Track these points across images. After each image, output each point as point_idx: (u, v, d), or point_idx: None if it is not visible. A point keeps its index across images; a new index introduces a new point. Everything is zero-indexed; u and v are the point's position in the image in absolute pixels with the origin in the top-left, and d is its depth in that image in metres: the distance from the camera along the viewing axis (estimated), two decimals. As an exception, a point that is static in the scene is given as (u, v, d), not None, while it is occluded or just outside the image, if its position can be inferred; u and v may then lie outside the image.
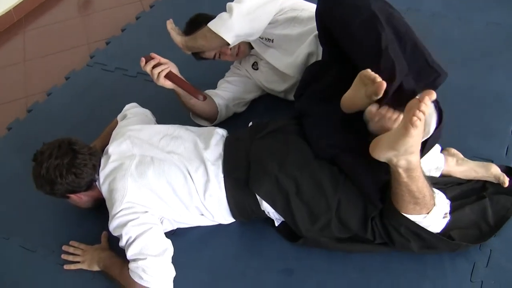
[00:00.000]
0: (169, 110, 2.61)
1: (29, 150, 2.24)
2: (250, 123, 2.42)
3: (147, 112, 2.60)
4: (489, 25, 3.16)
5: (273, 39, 2.59)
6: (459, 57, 2.69)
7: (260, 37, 2.56)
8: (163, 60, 2.36)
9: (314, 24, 2.37)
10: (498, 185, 2.22)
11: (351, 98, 1.91)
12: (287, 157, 2.10)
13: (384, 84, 1.73)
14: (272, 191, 2.09)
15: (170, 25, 2.60)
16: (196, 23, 2.66)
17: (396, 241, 2.01)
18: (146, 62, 2.35)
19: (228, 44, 2.45)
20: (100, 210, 2.29)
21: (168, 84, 2.37)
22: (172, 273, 2.06)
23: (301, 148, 2.13)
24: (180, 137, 2.28)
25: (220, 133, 2.31)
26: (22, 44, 3.77)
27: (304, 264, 2.15)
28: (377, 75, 1.75)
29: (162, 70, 2.33)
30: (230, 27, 2.39)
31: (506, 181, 2.19)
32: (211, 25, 2.43)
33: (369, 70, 1.78)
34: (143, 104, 2.64)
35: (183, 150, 2.21)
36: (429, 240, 1.99)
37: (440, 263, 2.07)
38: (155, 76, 2.35)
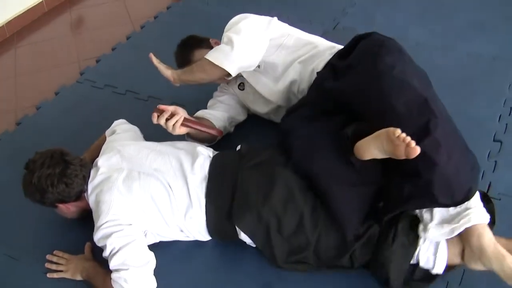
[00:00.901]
0: (157, 127, 2.65)
1: (17, 161, 2.30)
2: (239, 147, 2.44)
3: (135, 129, 2.65)
4: (471, 54, 3.30)
5: (260, 65, 2.62)
6: (441, 84, 2.78)
7: None
8: (171, 108, 2.36)
9: (299, 51, 2.55)
10: None
11: (369, 148, 1.95)
12: (272, 192, 2.14)
13: (418, 150, 1.79)
14: (253, 225, 2.15)
15: (155, 59, 2.57)
16: (188, 46, 2.74)
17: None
18: (158, 117, 2.35)
19: (229, 75, 2.51)
20: (84, 220, 2.34)
21: (183, 130, 2.42)
22: (153, 284, 2.10)
23: (286, 181, 2.17)
24: (167, 154, 2.33)
25: (205, 154, 2.34)
26: (13, 59, 3.81)
27: (282, 278, 2.20)
28: (412, 140, 1.80)
29: (176, 121, 2.36)
30: (233, 59, 2.45)
31: None
32: (212, 58, 2.47)
33: (399, 131, 1.82)
34: (131, 121, 2.69)
35: (169, 167, 2.26)
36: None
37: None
38: (170, 128, 2.37)
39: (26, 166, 2.24)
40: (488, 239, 1.95)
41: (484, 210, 2.00)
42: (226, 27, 2.62)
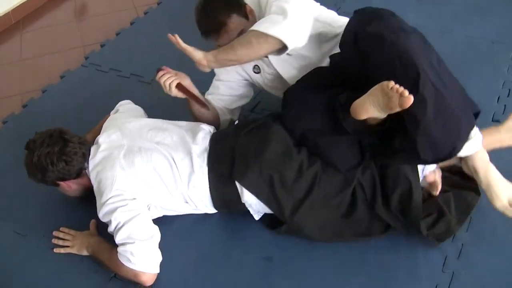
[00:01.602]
0: (161, 109, 2.71)
1: (23, 142, 2.33)
2: (236, 121, 2.55)
3: (139, 108, 2.70)
4: (469, 37, 3.34)
5: (291, 54, 2.41)
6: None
7: None
8: (173, 72, 2.36)
9: (329, 42, 2.44)
10: (460, 181, 2.35)
11: (364, 105, 1.99)
12: (269, 147, 2.22)
13: (412, 99, 1.84)
14: (255, 180, 2.21)
15: (180, 40, 2.31)
16: (226, 4, 2.35)
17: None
18: (157, 73, 2.37)
19: (284, 49, 2.26)
20: (88, 198, 2.38)
21: (179, 94, 2.38)
22: (159, 257, 2.16)
23: (281, 137, 2.26)
24: (168, 129, 2.39)
25: (207, 129, 2.41)
26: (19, 45, 3.88)
27: (284, 252, 2.26)
28: (405, 89, 1.85)
29: (172, 81, 2.36)
30: (289, 28, 2.19)
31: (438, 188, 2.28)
32: (263, 28, 2.20)
33: (393, 83, 1.87)
34: (136, 103, 2.74)
35: (170, 141, 2.32)
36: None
37: (414, 254, 2.19)
38: (167, 88, 2.36)
39: (26, 146, 2.30)
40: (479, 163, 2.17)
41: (474, 140, 2.10)
42: None
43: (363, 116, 2.02)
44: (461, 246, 2.20)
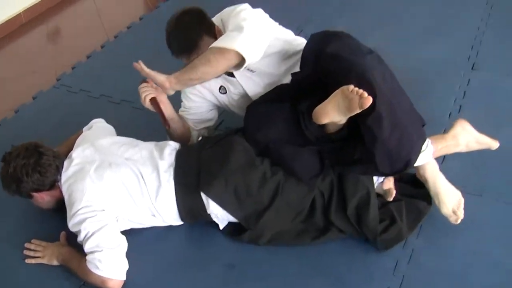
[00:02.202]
0: (129, 128, 2.83)
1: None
2: (200, 138, 2.69)
3: (111, 127, 2.82)
4: (424, 58, 3.55)
5: (255, 71, 2.53)
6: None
7: None
8: (154, 86, 2.46)
9: (290, 59, 2.56)
10: (412, 190, 2.52)
11: (326, 109, 2.12)
12: (233, 157, 2.35)
13: (371, 99, 1.99)
14: (220, 190, 2.33)
15: (144, 67, 2.41)
16: (197, 26, 2.45)
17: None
18: (141, 84, 2.49)
19: (242, 63, 2.34)
20: (59, 211, 2.48)
21: (151, 108, 2.49)
22: (126, 265, 2.26)
23: (243, 147, 2.39)
24: (137, 146, 2.51)
25: (173, 146, 2.52)
26: (-7, 67, 3.98)
27: (245, 258, 2.38)
28: (364, 91, 2.01)
29: (148, 94, 2.46)
30: (245, 41, 2.29)
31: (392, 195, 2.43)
32: (220, 44, 2.31)
33: (352, 86, 2.03)
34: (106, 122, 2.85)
35: (139, 157, 2.43)
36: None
37: (367, 259, 2.33)
38: (142, 98, 2.47)
39: (2, 159, 2.41)
40: (429, 172, 2.39)
41: (426, 152, 2.30)
42: (223, 16, 2.53)
43: (325, 120, 2.14)
44: (412, 251, 2.35)
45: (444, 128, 2.89)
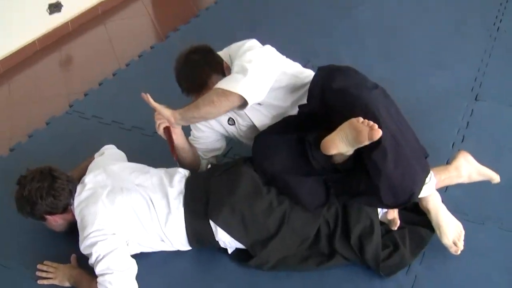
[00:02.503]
0: (140, 155, 2.87)
1: (10, 182, 2.51)
2: (209, 165, 2.76)
3: (122, 153, 2.90)
4: (428, 88, 3.64)
5: (262, 104, 2.56)
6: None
7: None
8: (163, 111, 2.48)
9: (298, 91, 2.62)
10: (415, 217, 2.57)
11: (334, 140, 2.18)
12: (240, 186, 2.42)
13: (380, 132, 2.06)
14: (228, 218, 2.40)
15: (151, 99, 2.45)
16: (206, 65, 2.53)
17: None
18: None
19: (244, 105, 2.39)
20: (70, 234, 2.56)
21: (163, 136, 2.55)
22: (135, 287, 2.31)
23: (251, 176, 2.46)
24: (148, 172, 2.59)
25: (182, 173, 2.59)
26: (7, 93, 4.07)
27: (251, 283, 2.44)
28: (374, 123, 2.07)
29: (162, 123, 2.52)
30: (248, 85, 2.34)
31: (397, 224, 2.49)
32: (224, 85, 2.36)
33: (361, 118, 2.09)
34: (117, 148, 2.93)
35: (150, 183, 2.50)
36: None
37: (371, 284, 2.39)
38: (156, 125, 2.54)
39: (18, 182, 2.48)
40: (431, 204, 2.45)
41: (429, 184, 2.35)
42: (231, 52, 2.59)
43: (333, 151, 2.20)
44: (415, 277, 2.40)
45: (447, 158, 2.96)
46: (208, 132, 2.78)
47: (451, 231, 2.42)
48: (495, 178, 2.54)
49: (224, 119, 2.73)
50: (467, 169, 2.53)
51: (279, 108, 2.64)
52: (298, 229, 2.41)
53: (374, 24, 4.53)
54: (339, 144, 2.17)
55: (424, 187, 2.32)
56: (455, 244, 2.41)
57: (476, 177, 2.55)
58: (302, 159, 2.35)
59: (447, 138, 3.19)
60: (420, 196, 2.35)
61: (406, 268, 2.43)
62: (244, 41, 2.60)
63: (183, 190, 2.48)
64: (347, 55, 4.02)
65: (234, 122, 2.74)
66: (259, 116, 2.65)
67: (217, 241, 2.46)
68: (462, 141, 3.15)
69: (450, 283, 2.38)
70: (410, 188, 2.22)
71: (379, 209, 2.47)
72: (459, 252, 2.41)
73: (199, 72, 2.51)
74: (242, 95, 2.34)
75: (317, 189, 2.39)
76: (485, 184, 2.61)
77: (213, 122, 2.74)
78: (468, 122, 3.32)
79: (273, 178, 2.44)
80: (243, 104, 2.41)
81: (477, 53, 4.03)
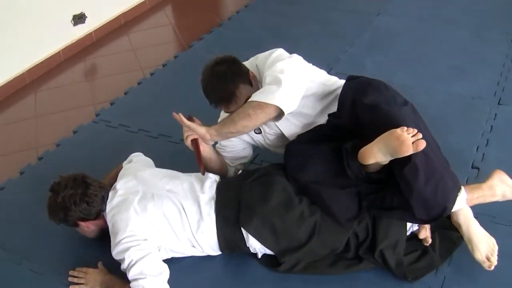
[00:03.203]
0: (167, 163, 2.89)
1: (39, 190, 2.59)
2: (240, 171, 2.79)
3: (150, 160, 2.94)
4: (451, 94, 3.66)
5: (291, 112, 2.51)
6: (425, 120, 3.11)
7: None
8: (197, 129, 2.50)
9: (326, 98, 2.64)
10: (445, 220, 2.54)
11: (373, 150, 2.19)
12: (272, 196, 2.44)
13: (424, 142, 2.08)
14: (259, 227, 2.42)
15: (183, 119, 2.45)
16: (234, 76, 2.51)
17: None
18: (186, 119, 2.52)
19: (281, 115, 2.42)
20: (101, 240, 2.61)
21: (191, 147, 2.57)
22: (168, 291, 2.35)
23: (283, 186, 2.47)
24: (178, 178, 2.62)
25: (213, 178, 2.62)
26: (34, 103, 4.13)
27: (282, 287, 2.46)
28: (418, 132, 2.10)
29: (190, 135, 2.54)
30: (283, 96, 2.36)
31: (428, 242, 2.48)
32: (260, 98, 2.37)
33: (405, 127, 2.11)
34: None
35: (181, 189, 2.54)
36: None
37: (400, 286, 2.40)
38: (184, 137, 2.57)
39: (51, 188, 2.53)
40: (463, 218, 2.42)
41: (460, 198, 2.33)
42: (259, 62, 2.63)
43: (371, 160, 2.21)
44: (444, 278, 2.41)
45: (473, 160, 2.97)
46: (235, 141, 2.80)
47: (484, 245, 2.39)
48: None
49: None
50: (501, 188, 2.51)
51: (307, 117, 2.66)
52: (328, 241, 2.42)
53: (394, 32, 4.58)
54: (378, 154, 2.18)
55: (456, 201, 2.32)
56: (488, 259, 2.37)
57: (510, 196, 2.52)
58: (336, 170, 2.37)
59: (471, 142, 3.20)
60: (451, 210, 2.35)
61: (434, 270, 2.44)
62: (271, 51, 2.63)
63: (214, 196, 2.51)
64: (368, 62, 4.06)
65: (261, 131, 2.76)
66: (287, 125, 2.66)
67: (248, 247, 2.49)
68: (486, 145, 3.17)
69: (479, 285, 2.39)
70: (443, 202, 2.23)
71: (408, 225, 2.47)
72: (492, 268, 2.37)
73: (226, 83, 2.49)
74: (279, 106, 2.36)
75: (350, 202, 2.41)
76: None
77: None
78: (491, 126, 3.34)
79: (306, 188, 2.46)
80: (279, 114, 2.42)
81: (498, 58, 4.06)
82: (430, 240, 2.46)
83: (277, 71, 2.43)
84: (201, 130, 2.48)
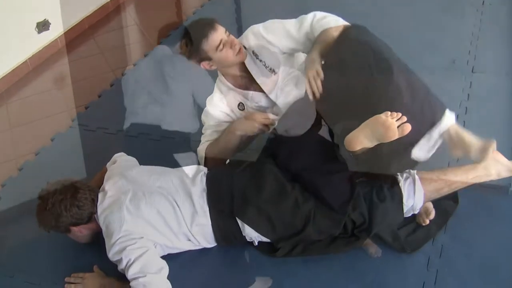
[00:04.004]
0: (151, 160, 2.84)
1: (23, 202, 2.56)
2: (228, 160, 2.76)
3: (133, 159, 2.90)
4: (425, 68, 3.61)
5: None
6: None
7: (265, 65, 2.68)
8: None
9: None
10: None
11: (359, 137, 2.22)
12: (265, 185, 2.44)
13: (410, 126, 2.10)
14: (255, 216, 2.42)
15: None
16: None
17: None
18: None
19: None
20: (94, 244, 2.59)
21: None
22: (169, 288, 2.33)
23: (275, 175, 2.47)
24: (167, 173, 2.60)
25: (202, 170, 2.61)
26: (6, 115, 4.04)
27: (279, 271, 2.47)
28: (403, 115, 2.12)
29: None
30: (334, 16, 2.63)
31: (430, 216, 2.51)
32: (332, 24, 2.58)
33: (389, 112, 2.13)
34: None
35: (171, 185, 2.51)
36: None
37: (400, 258, 2.43)
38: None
39: (39, 196, 2.48)
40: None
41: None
42: (255, 41, 2.79)
43: (358, 147, 2.24)
44: (441, 246, 2.45)
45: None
46: (221, 117, 2.85)
47: (476, 139, 2.35)
48: None
49: (234, 105, 2.82)
50: (496, 167, 2.47)
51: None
52: (323, 227, 2.42)
53: (361, 7, 4.56)
54: (364, 140, 2.20)
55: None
56: (486, 144, 2.33)
57: (505, 174, 2.49)
58: (327, 156, 2.41)
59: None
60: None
61: (431, 240, 2.47)
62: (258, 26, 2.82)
63: (205, 188, 2.49)
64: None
65: (244, 107, 2.81)
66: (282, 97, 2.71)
67: (244, 236, 2.48)
68: (466, 113, 3.21)
69: (477, 250, 2.42)
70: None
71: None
72: (494, 146, 2.34)
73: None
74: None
75: (342, 185, 2.42)
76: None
77: (226, 109, 2.84)
78: (468, 94, 3.38)
79: (298, 176, 2.47)
80: None
81: (467, 29, 4.10)
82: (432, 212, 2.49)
83: (298, 22, 2.68)
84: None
